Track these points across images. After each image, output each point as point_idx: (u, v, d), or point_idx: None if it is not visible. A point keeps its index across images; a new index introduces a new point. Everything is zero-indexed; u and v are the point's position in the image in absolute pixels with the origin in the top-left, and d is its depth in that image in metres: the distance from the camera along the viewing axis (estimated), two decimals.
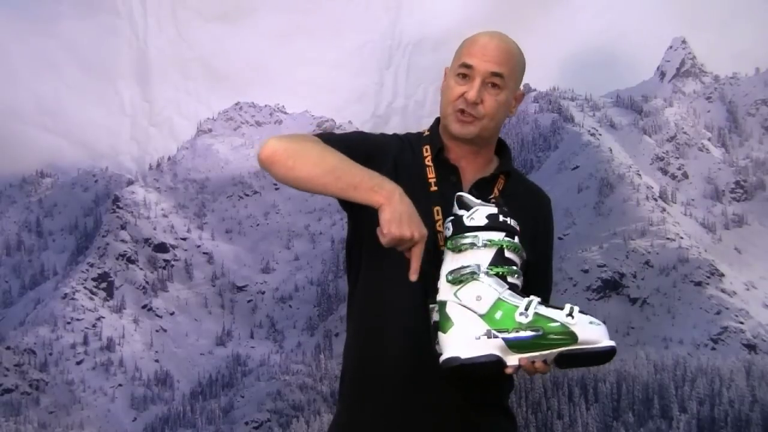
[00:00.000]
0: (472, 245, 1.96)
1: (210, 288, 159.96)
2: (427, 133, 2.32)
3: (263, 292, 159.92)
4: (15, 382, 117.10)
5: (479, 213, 1.99)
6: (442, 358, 1.95)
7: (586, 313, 1.90)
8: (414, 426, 2.12)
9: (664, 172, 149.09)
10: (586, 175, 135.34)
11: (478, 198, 2.10)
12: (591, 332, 1.88)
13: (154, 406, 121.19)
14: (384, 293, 2.16)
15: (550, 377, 60.89)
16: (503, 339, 1.90)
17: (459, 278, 1.95)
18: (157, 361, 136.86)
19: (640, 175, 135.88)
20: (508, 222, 2.00)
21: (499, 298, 1.92)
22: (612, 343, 1.89)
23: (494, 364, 1.91)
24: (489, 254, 1.96)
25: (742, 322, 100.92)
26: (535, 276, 2.23)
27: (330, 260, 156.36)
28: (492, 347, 1.91)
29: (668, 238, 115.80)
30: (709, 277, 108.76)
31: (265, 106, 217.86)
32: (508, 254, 1.98)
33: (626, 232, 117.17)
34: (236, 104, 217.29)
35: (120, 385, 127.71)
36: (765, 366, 64.83)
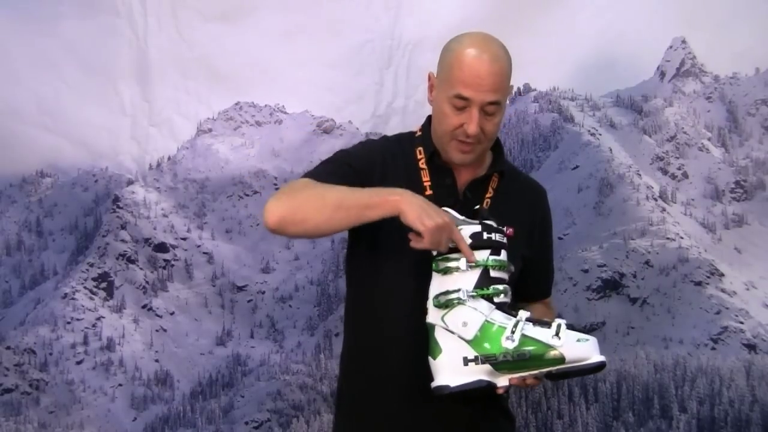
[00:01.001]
0: (457, 268, 1.95)
1: (210, 288, 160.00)
2: (419, 133, 2.28)
3: (263, 292, 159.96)
4: (15, 381, 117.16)
5: (464, 232, 1.96)
6: (433, 384, 1.98)
7: (575, 329, 1.90)
8: (421, 427, 2.13)
9: (664, 172, 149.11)
10: (586, 174, 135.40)
11: (471, 199, 2.13)
12: (578, 350, 1.88)
13: (154, 406, 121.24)
14: (385, 303, 2.16)
15: None
16: (490, 364, 1.91)
17: (445, 303, 1.95)
18: (157, 360, 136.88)
19: (640, 174, 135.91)
20: (493, 238, 1.97)
21: (487, 321, 1.92)
22: (601, 359, 1.89)
23: (484, 388, 1.94)
24: (474, 276, 1.95)
25: (742, 322, 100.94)
26: (535, 270, 2.27)
27: (330, 260, 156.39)
28: (480, 373, 1.92)
29: (668, 238, 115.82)
30: (709, 277, 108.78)
31: (265, 105, 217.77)
32: (494, 273, 1.96)
33: (626, 231, 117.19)
34: (236, 104, 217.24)
35: (120, 384, 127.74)
36: (765, 366, 64.85)
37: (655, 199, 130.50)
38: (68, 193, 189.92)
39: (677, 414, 60.24)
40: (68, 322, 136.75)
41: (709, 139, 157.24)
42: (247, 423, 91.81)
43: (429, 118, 2.27)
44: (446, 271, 1.96)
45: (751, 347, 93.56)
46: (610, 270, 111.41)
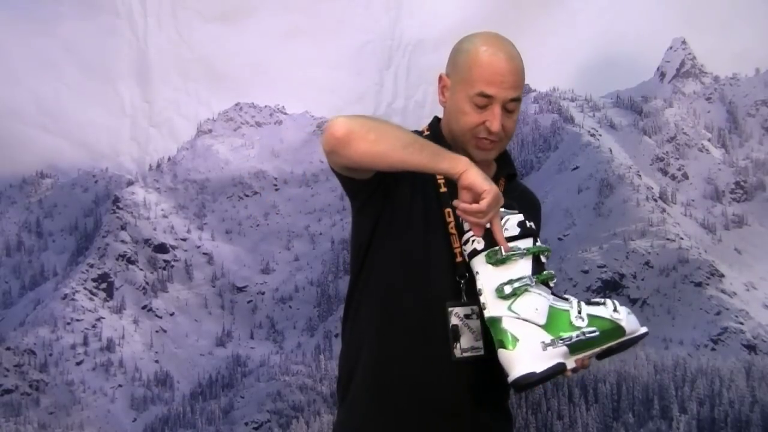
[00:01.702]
0: (516, 256, 1.96)
1: (210, 288, 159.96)
2: (427, 132, 2.28)
3: (263, 293, 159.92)
4: (15, 382, 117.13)
5: (511, 222, 1.99)
6: (516, 375, 1.94)
7: (622, 304, 2.01)
8: (430, 429, 2.12)
9: (664, 172, 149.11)
10: (586, 175, 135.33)
11: None
12: (632, 323, 1.99)
13: (154, 407, 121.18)
14: (402, 296, 2.14)
15: None
16: (566, 345, 1.94)
17: (513, 292, 1.94)
18: (157, 361, 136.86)
19: (640, 175, 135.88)
20: (533, 226, 2.03)
21: (550, 305, 1.96)
22: (645, 329, 2.03)
23: (560, 371, 1.95)
24: (529, 263, 1.97)
25: (742, 323, 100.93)
26: None
27: (330, 261, 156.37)
28: (558, 356, 1.94)
29: (668, 239, 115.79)
30: (709, 278, 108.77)
31: (265, 106, 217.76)
32: (542, 259, 2.01)
33: (626, 232, 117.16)
34: (236, 105, 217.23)
35: (120, 385, 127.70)
36: (765, 366, 64.82)
37: (655, 200, 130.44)
38: (68, 194, 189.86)
39: (677, 415, 60.20)
40: (68, 323, 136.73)
41: (709, 140, 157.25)
42: (247, 424, 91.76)
43: (436, 118, 2.30)
44: (504, 261, 1.96)
45: (751, 348, 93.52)
46: (610, 271, 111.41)
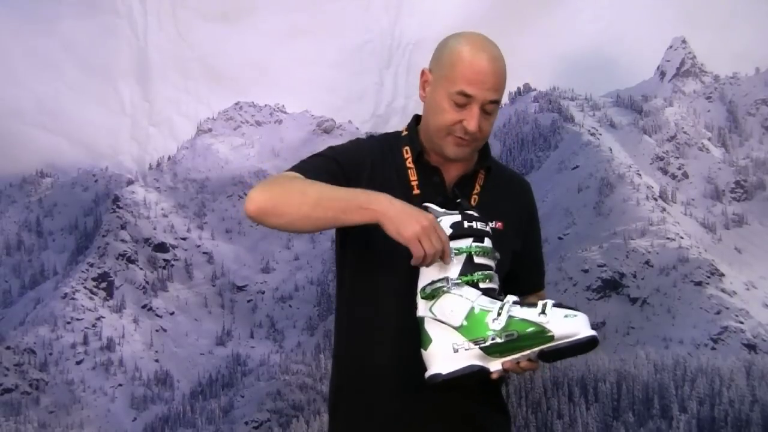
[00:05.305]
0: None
1: (210, 288, 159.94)
2: (405, 132, 2.29)
3: (263, 292, 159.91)
4: (15, 381, 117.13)
5: (443, 223, 1.97)
6: (426, 375, 1.97)
7: (562, 306, 1.87)
8: (422, 426, 2.11)
9: (664, 171, 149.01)
10: (586, 174, 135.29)
11: (460, 196, 2.13)
12: (567, 326, 1.84)
13: (154, 406, 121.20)
14: (378, 302, 2.15)
15: (550, 377, 60.93)
16: (480, 348, 1.90)
17: (431, 293, 1.95)
18: (157, 360, 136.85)
19: (640, 174, 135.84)
20: (474, 226, 1.98)
21: (473, 306, 1.92)
22: (592, 333, 1.84)
23: (477, 373, 1.92)
24: (458, 264, 1.95)
25: (742, 322, 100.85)
26: (526, 263, 2.28)
27: (330, 260, 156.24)
28: (471, 358, 1.91)
29: (668, 238, 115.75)
30: (709, 277, 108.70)
31: (265, 105, 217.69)
32: (478, 260, 1.96)
33: (626, 231, 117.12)
34: (236, 104, 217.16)
35: (120, 384, 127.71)
36: (765, 366, 64.80)
37: (655, 199, 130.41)
38: (68, 193, 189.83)
39: (677, 414, 60.19)
40: (68, 322, 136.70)
41: (709, 139, 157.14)
42: (247, 423, 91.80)
43: (415, 117, 2.29)
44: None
45: (751, 347, 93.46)
46: (610, 270, 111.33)
